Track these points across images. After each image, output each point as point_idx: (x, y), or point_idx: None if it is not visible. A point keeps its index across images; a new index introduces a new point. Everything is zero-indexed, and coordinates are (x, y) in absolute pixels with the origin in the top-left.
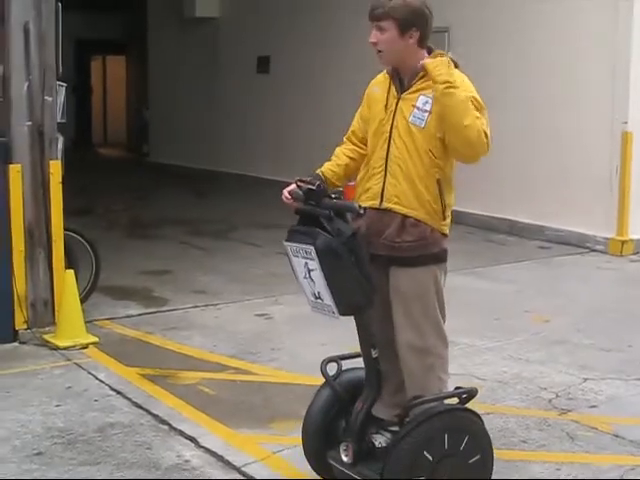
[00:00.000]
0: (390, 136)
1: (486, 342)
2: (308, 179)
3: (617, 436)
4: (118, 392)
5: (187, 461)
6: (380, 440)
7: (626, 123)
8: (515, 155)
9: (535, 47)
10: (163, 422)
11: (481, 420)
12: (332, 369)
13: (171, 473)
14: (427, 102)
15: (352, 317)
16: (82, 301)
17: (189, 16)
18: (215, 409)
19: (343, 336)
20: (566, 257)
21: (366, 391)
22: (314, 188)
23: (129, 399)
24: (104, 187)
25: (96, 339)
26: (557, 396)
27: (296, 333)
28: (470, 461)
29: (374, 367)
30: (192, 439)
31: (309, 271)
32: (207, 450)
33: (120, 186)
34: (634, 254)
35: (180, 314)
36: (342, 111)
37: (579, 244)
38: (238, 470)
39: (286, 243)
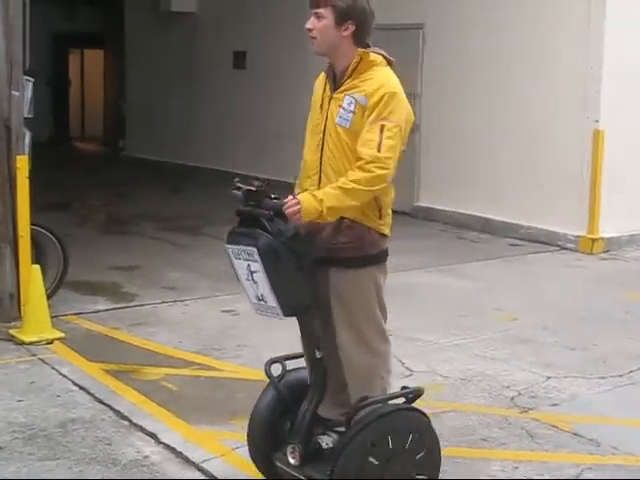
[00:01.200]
0: (323, 138)
1: (452, 339)
2: (246, 181)
3: (576, 434)
4: (81, 387)
5: (146, 457)
6: (327, 441)
7: (597, 122)
8: (487, 153)
9: (509, 45)
10: (124, 418)
11: (426, 417)
12: (277, 370)
13: (130, 469)
14: (351, 103)
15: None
16: (49, 296)
17: (165, 10)
18: (177, 405)
19: None
20: (537, 255)
21: (311, 392)
22: (254, 189)
23: (92, 394)
24: (79, 182)
25: (62, 334)
26: (519, 394)
27: (262, 330)
28: (417, 457)
29: (319, 367)
30: (152, 435)
31: (251, 273)
32: (167, 446)
33: (96, 181)
34: (604, 252)
35: (148, 310)
36: None
37: (550, 242)
38: (196, 466)
39: (227, 245)
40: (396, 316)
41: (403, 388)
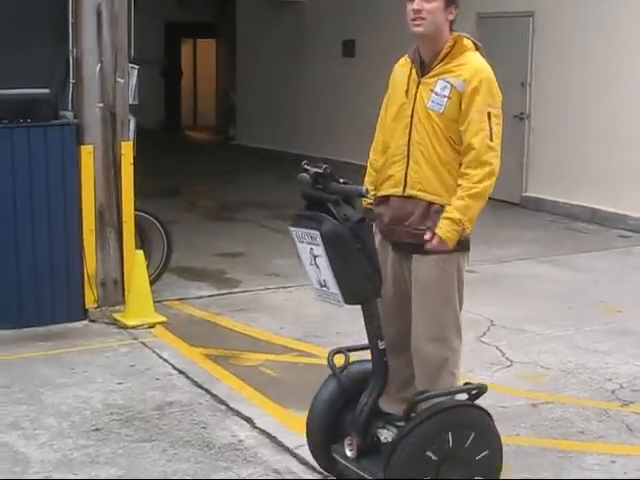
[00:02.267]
0: (411, 121)
1: (555, 331)
2: (314, 163)
3: None
4: (180, 371)
5: (241, 441)
6: (386, 435)
7: None
8: (596, 143)
9: (615, 35)
10: (221, 402)
11: (489, 415)
12: (340, 361)
13: (224, 452)
14: (445, 87)
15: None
16: (153, 281)
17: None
18: (275, 391)
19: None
20: None
21: (372, 384)
22: (321, 171)
23: (190, 379)
24: (189, 169)
25: (164, 319)
26: (621, 387)
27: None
28: (477, 457)
29: (381, 359)
30: (248, 419)
31: (314, 257)
32: (262, 431)
33: (205, 168)
34: None
35: (250, 296)
36: None
37: None
38: (291, 452)
39: (291, 228)
40: (499, 306)
41: (466, 384)
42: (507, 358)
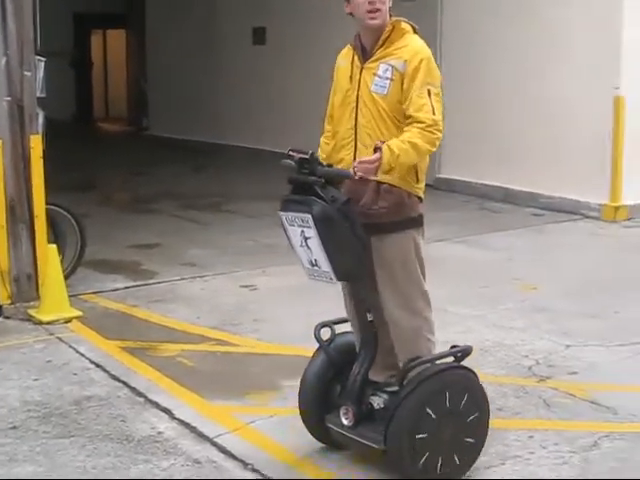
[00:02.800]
0: (357, 105)
1: (470, 310)
2: (299, 149)
3: (594, 402)
4: (97, 365)
5: (160, 433)
6: (378, 401)
7: (618, 88)
8: (509, 123)
9: (529, 14)
10: (139, 394)
11: (476, 376)
12: (325, 334)
13: (144, 445)
14: (387, 70)
15: (339, 286)
16: (68, 275)
17: None
18: (192, 381)
19: (327, 307)
20: (559, 224)
21: (362, 354)
22: (307, 157)
23: (108, 372)
24: (102, 161)
25: (80, 313)
26: (537, 363)
27: (280, 304)
28: (468, 419)
29: (370, 330)
30: (167, 411)
31: (305, 239)
32: (181, 422)
33: (118, 160)
34: (627, 220)
35: (166, 287)
36: None
37: (573, 211)
38: (211, 441)
39: (281, 213)
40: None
41: (452, 347)
42: None
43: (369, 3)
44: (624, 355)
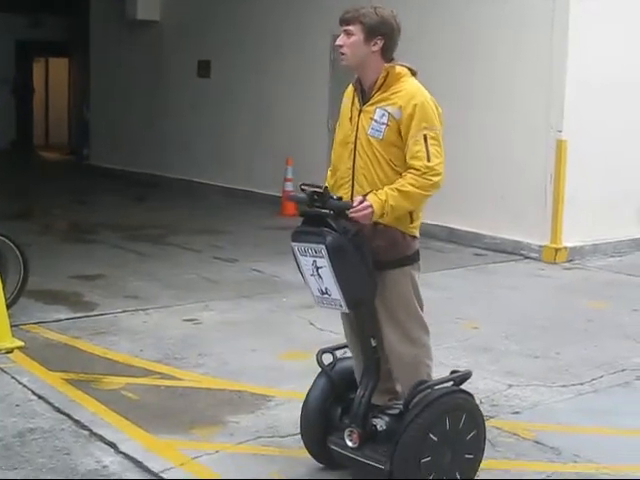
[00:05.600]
0: (355, 148)
1: None
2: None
3: (538, 442)
4: (40, 397)
5: (105, 467)
6: (380, 424)
7: (561, 131)
8: (452, 164)
9: (473, 58)
10: (84, 427)
11: (473, 398)
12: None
13: (89, 478)
14: (384, 115)
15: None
16: (10, 305)
17: (131, 18)
18: (137, 414)
19: (272, 342)
20: (501, 264)
21: (366, 378)
22: (321, 191)
23: (51, 404)
24: (42, 190)
25: (22, 343)
26: (480, 402)
27: (224, 339)
28: (468, 437)
29: (373, 356)
30: (112, 444)
31: (317, 268)
32: (126, 456)
33: (59, 189)
34: (568, 261)
35: (109, 319)
36: (282, 113)
37: (514, 251)
38: (156, 476)
39: (293, 243)
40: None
41: (452, 372)
42: None
43: (336, 47)
44: (566, 396)
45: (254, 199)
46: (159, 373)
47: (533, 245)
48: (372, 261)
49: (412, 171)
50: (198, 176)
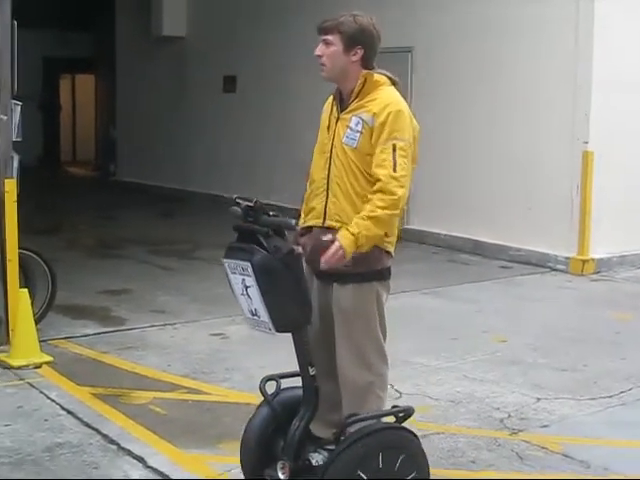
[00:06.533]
0: (330, 156)
1: (442, 362)
2: (245, 197)
3: (567, 456)
4: (69, 412)
5: None
6: (317, 458)
7: (587, 143)
8: (478, 176)
9: (497, 68)
10: (112, 442)
11: (417, 438)
12: (271, 388)
13: None
14: (358, 123)
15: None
16: (38, 320)
17: (156, 35)
18: (165, 429)
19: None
20: (527, 277)
21: (303, 409)
22: (252, 205)
23: (79, 419)
24: (69, 206)
25: (50, 358)
26: (509, 416)
27: (251, 353)
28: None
29: (311, 385)
30: (140, 459)
31: (246, 287)
32: (154, 470)
33: (86, 205)
34: (595, 273)
35: (136, 333)
36: (306, 129)
37: (541, 264)
38: None
39: (224, 259)
40: (386, 338)
41: (394, 407)
42: (396, 390)
43: (316, 56)
44: (594, 409)
45: (279, 213)
46: (186, 388)
47: (560, 257)
48: (340, 272)
49: (377, 194)
50: (223, 190)
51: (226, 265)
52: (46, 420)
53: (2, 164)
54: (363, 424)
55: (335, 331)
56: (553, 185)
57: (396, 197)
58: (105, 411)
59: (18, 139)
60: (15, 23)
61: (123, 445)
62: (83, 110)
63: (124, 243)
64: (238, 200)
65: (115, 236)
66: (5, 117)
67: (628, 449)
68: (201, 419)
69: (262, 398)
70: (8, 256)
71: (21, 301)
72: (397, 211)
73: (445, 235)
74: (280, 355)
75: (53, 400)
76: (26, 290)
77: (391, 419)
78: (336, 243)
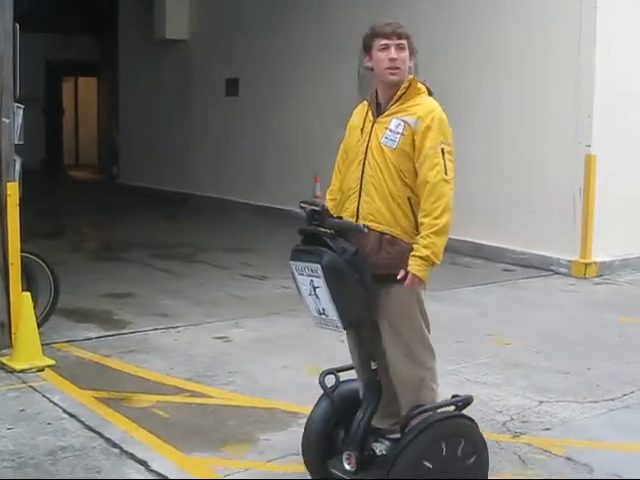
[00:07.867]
0: (365, 157)
1: (445, 365)
2: (310, 201)
3: (570, 459)
4: (72, 415)
5: None
6: (380, 448)
7: (589, 146)
8: (480, 179)
9: (499, 71)
10: (115, 446)
11: (475, 423)
12: (330, 381)
13: None
14: (399, 125)
15: (310, 338)
16: (41, 324)
17: (159, 38)
18: (168, 432)
19: (302, 359)
20: (530, 280)
21: (366, 402)
22: (318, 209)
23: (82, 422)
24: (72, 209)
25: (53, 362)
26: (512, 419)
27: (254, 356)
28: (468, 463)
29: (373, 379)
30: (143, 463)
31: (314, 288)
32: (157, 474)
33: (89, 208)
34: (597, 276)
35: (139, 337)
36: (310, 131)
37: (543, 267)
38: None
39: (291, 262)
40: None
41: (454, 396)
42: None
43: (390, 60)
44: (597, 412)
45: (283, 216)
46: (190, 391)
47: (562, 260)
48: (377, 275)
49: (427, 188)
50: (227, 194)
51: (293, 267)
52: (49, 424)
53: (4, 167)
54: (425, 416)
55: (382, 332)
56: (556, 188)
57: (448, 198)
58: (108, 414)
59: (20, 142)
60: (17, 26)
61: (126, 449)
62: (86, 113)
63: (127, 246)
64: (303, 205)
65: (118, 239)
66: (7, 120)
67: (631, 453)
68: (204, 422)
69: (263, 400)
70: (10, 259)
71: (23, 304)
72: (449, 215)
73: (448, 239)
74: (283, 358)
75: (56, 403)
76: (29, 293)
77: (451, 408)
78: (409, 276)
